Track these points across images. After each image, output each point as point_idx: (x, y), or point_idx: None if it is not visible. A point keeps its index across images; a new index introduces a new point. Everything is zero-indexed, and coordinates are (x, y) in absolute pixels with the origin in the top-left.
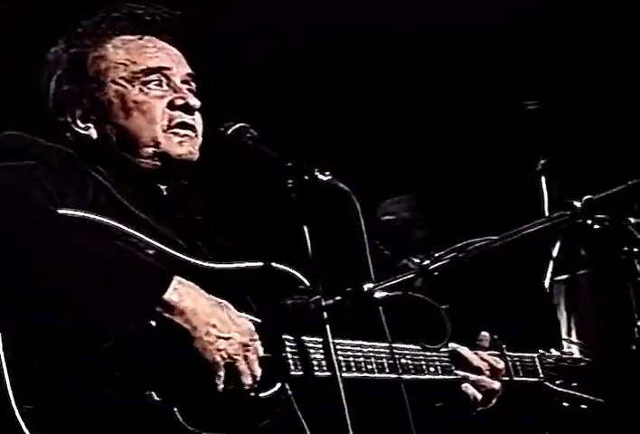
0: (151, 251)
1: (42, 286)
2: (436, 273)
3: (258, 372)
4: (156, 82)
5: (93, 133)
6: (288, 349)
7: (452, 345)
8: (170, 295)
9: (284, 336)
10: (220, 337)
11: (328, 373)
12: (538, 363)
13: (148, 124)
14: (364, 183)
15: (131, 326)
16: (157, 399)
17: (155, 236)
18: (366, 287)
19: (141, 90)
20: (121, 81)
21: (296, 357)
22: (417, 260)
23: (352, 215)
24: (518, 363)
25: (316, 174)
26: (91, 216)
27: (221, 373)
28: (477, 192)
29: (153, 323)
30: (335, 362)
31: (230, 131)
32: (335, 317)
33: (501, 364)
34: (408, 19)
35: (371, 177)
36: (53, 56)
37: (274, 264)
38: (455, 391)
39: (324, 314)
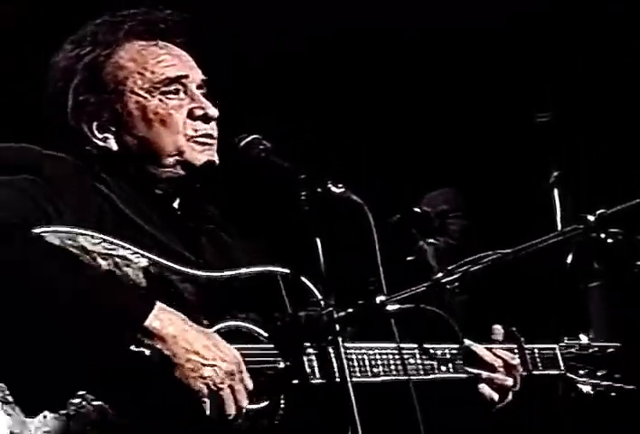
0: (144, 263)
1: (16, 313)
2: (448, 286)
3: (245, 402)
4: (175, 91)
5: (112, 144)
6: (305, 357)
7: (466, 342)
8: (151, 321)
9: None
10: (204, 365)
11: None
12: (559, 355)
13: (171, 134)
14: (365, 185)
15: (111, 354)
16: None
17: (159, 247)
18: (378, 299)
19: (160, 101)
20: (140, 92)
21: (314, 365)
22: (431, 241)
23: (365, 227)
24: (537, 356)
25: (329, 185)
26: (76, 230)
27: (207, 400)
28: (489, 204)
29: (134, 350)
30: (347, 371)
31: (242, 143)
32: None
33: (516, 360)
34: (408, 19)
35: (371, 179)
36: (66, 63)
37: (275, 269)
38: (472, 390)
39: (337, 326)
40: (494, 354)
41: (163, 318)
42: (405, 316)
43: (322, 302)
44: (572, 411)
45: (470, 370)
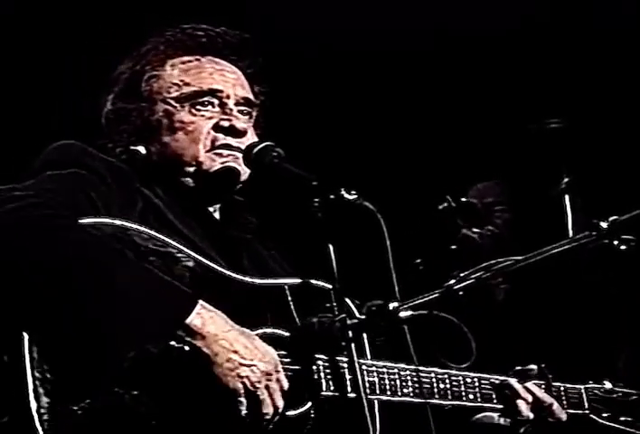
0: (190, 263)
1: (58, 299)
2: (461, 293)
3: (281, 403)
4: (207, 104)
5: (142, 150)
6: (321, 368)
7: (501, 378)
8: (192, 319)
9: (317, 355)
10: (242, 364)
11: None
12: (584, 395)
13: (191, 144)
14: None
15: (151, 349)
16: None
17: (197, 252)
18: (391, 305)
19: (190, 111)
20: (171, 101)
21: (329, 377)
22: (477, 230)
23: (379, 234)
24: (563, 395)
25: (342, 192)
26: (128, 224)
27: (243, 400)
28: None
29: (175, 345)
30: (360, 380)
31: (255, 150)
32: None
33: (548, 400)
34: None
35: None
36: (115, 75)
37: (313, 280)
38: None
39: (350, 333)
40: (526, 389)
41: (205, 316)
42: (419, 324)
43: (335, 309)
44: None
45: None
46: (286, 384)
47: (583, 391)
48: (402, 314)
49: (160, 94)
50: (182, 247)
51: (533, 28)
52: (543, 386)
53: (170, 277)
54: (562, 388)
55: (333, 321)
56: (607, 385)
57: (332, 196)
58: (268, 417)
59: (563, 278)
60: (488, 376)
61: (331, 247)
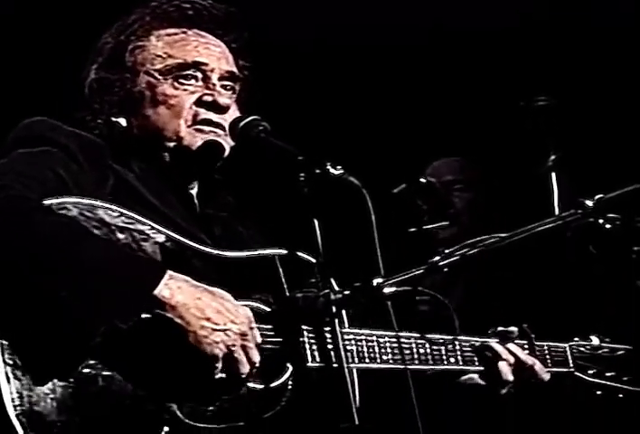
0: (161, 239)
1: (21, 280)
2: (445, 269)
3: (256, 358)
4: (190, 77)
5: (122, 122)
6: (306, 340)
7: (482, 339)
8: (161, 290)
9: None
10: (215, 330)
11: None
12: (569, 353)
13: (173, 118)
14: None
15: (120, 323)
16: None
17: (173, 227)
18: (375, 281)
19: (173, 84)
20: (155, 73)
21: (313, 348)
22: (436, 225)
23: (364, 209)
24: (547, 354)
25: (328, 167)
26: (96, 202)
27: (218, 364)
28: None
29: (145, 317)
30: (343, 354)
31: (242, 123)
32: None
33: (529, 359)
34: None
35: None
36: (100, 45)
37: (284, 251)
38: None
39: (333, 308)
40: (508, 351)
41: (172, 287)
42: (403, 300)
43: (319, 284)
44: (578, 411)
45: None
46: (259, 338)
47: (567, 348)
48: (386, 290)
49: (144, 65)
50: (152, 223)
51: (530, 23)
52: (526, 346)
53: (140, 253)
54: (546, 347)
55: (317, 296)
56: (595, 341)
57: (317, 171)
58: (244, 375)
59: (547, 255)
60: (469, 338)
61: (316, 222)
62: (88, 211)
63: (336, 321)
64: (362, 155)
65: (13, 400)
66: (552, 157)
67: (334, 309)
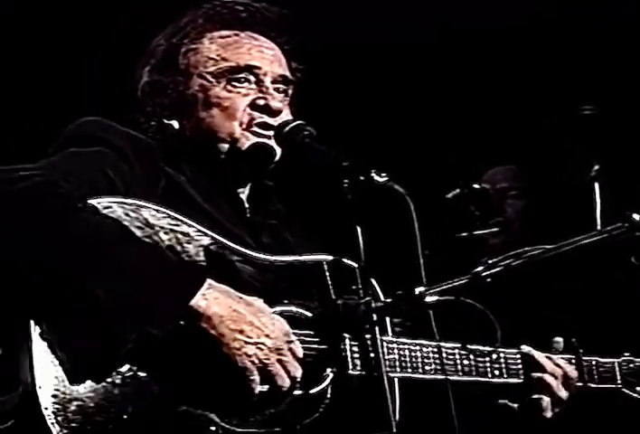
0: (205, 241)
1: (54, 286)
2: (488, 280)
3: (298, 372)
4: (243, 80)
5: (175, 125)
6: (347, 347)
7: (524, 348)
8: (197, 300)
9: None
10: (248, 343)
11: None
12: (617, 369)
13: (227, 120)
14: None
15: (154, 330)
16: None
17: (221, 231)
18: (417, 290)
19: (225, 87)
20: (207, 76)
21: (355, 356)
22: (487, 231)
23: (408, 217)
24: (594, 369)
25: (372, 174)
26: (142, 203)
27: (255, 377)
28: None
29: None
30: (383, 362)
31: (287, 128)
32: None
33: (574, 373)
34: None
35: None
36: (152, 47)
37: (330, 257)
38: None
39: (374, 316)
40: (555, 364)
41: (209, 298)
42: (445, 310)
43: (360, 291)
44: (626, 427)
45: (533, 375)
46: (300, 353)
47: (616, 364)
48: (428, 299)
49: (197, 68)
50: (198, 226)
51: (539, 21)
52: (574, 361)
53: (183, 255)
54: (594, 362)
55: (358, 303)
56: None
57: (362, 178)
58: (285, 389)
59: (594, 269)
60: (513, 350)
61: (359, 229)
62: (132, 211)
63: (377, 329)
64: (404, 160)
65: (52, 396)
66: (596, 167)
67: (374, 317)
